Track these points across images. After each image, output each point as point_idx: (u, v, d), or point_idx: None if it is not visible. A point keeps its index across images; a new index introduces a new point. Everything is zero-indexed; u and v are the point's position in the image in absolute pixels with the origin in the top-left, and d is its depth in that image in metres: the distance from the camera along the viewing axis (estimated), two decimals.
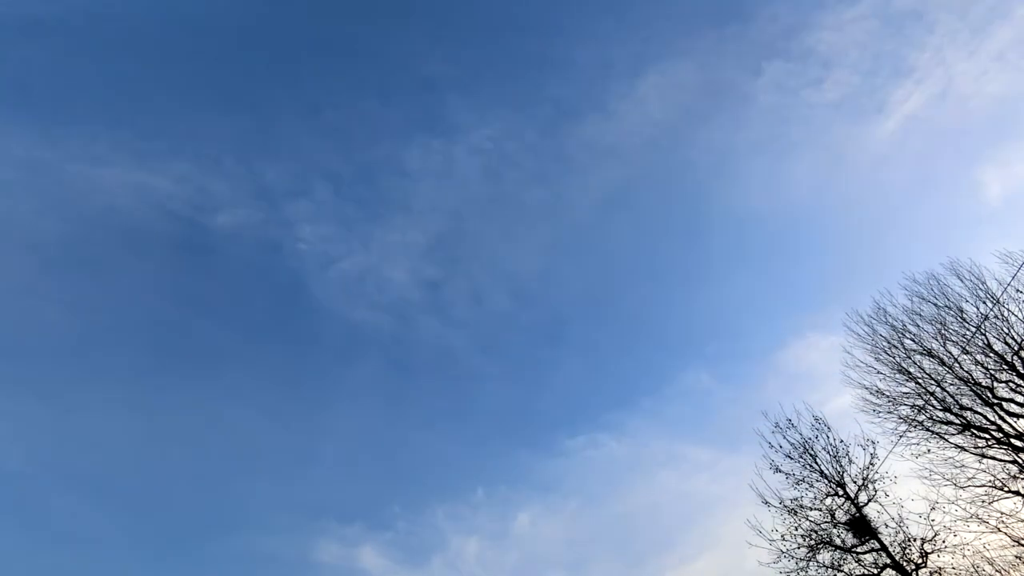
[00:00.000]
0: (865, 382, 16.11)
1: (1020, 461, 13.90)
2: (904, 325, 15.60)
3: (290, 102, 58.28)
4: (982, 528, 13.96)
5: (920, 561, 14.23)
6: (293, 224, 56.80)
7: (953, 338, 14.81)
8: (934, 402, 14.90)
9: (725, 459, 50.52)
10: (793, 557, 15.06)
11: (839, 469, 15.51)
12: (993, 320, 14.30)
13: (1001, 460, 14.13)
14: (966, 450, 14.54)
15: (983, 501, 14.18)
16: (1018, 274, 13.84)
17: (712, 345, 60.24)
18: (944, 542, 14.23)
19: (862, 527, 14.89)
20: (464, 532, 46.61)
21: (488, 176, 62.09)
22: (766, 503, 15.74)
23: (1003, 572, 13.71)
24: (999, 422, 14.16)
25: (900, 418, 15.36)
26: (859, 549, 14.88)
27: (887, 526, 14.83)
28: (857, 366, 16.31)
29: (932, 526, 14.38)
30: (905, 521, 14.71)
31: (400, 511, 47.89)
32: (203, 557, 41.81)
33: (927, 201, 58.95)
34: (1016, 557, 13.63)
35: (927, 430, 15.01)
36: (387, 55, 59.21)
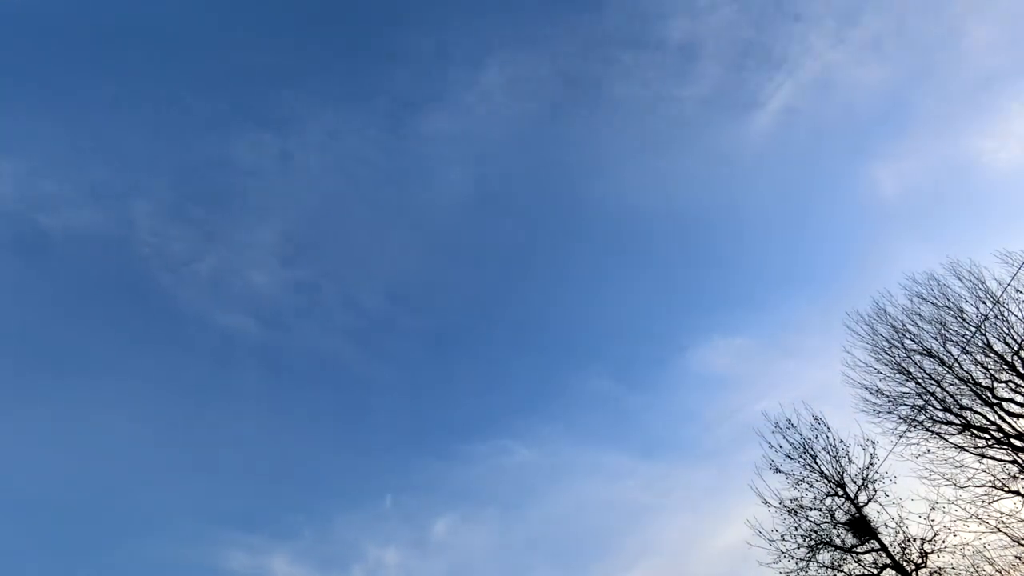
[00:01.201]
0: (865, 382, 16.13)
1: (1020, 461, 13.90)
2: (904, 325, 15.61)
3: (104, 96, 52.12)
4: (982, 528, 13.97)
5: (920, 561, 14.23)
6: (134, 224, 52.43)
7: (953, 338, 14.82)
8: (934, 402, 14.91)
9: (647, 466, 50.67)
10: (793, 557, 15.07)
11: (839, 469, 15.52)
12: (993, 320, 14.30)
13: (1001, 460, 14.14)
14: (966, 450, 14.55)
15: (983, 501, 14.19)
16: (1018, 274, 13.85)
17: (611, 348, 59.17)
18: (944, 542, 14.25)
19: (862, 527, 14.88)
20: (380, 541, 45.82)
21: (336, 173, 58.73)
22: (766, 503, 15.75)
23: (1003, 572, 13.72)
24: (999, 422, 14.16)
25: (900, 418, 15.38)
26: (859, 549, 14.88)
27: (887, 526, 14.85)
28: (857, 366, 16.32)
29: (932, 526, 14.39)
30: (905, 521, 14.73)
31: (305, 519, 46.87)
32: (99, 564, 40.30)
33: (819, 199, 58.07)
34: (1016, 557, 13.64)
35: (927, 430, 15.02)
36: (203, 43, 54.78)
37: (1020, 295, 13.99)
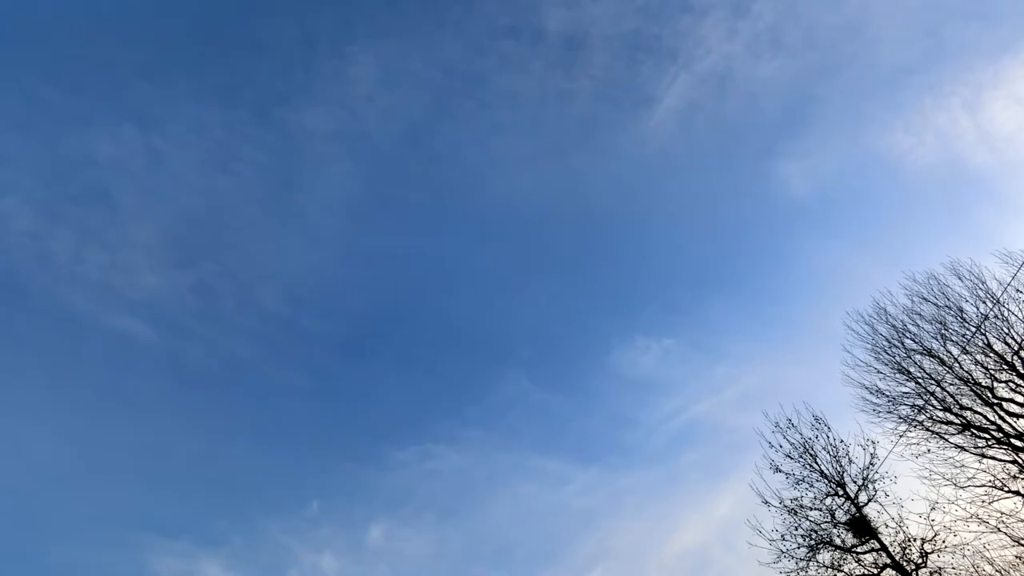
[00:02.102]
0: (865, 381, 16.13)
1: (1020, 461, 13.90)
2: (904, 325, 15.63)
3: None
4: (982, 528, 13.96)
5: (920, 561, 14.20)
6: (7, 225, 48.32)
7: (953, 338, 14.84)
8: (934, 402, 14.91)
9: (588, 472, 50.24)
10: (793, 557, 15.00)
11: (839, 469, 15.47)
12: (993, 320, 14.33)
13: (1001, 460, 14.14)
14: (966, 450, 14.55)
15: (983, 501, 14.19)
16: (1018, 274, 13.88)
17: (529, 351, 57.89)
18: (944, 542, 14.22)
19: (862, 527, 14.85)
20: (314, 547, 44.65)
21: (211, 170, 54.50)
22: (766, 503, 15.69)
23: (1003, 572, 13.70)
24: (999, 422, 14.17)
25: (900, 418, 15.38)
26: (859, 549, 14.84)
27: (887, 526, 14.81)
28: (857, 365, 16.33)
29: (932, 526, 14.37)
30: (905, 521, 14.70)
31: (231, 525, 45.40)
32: (16, 571, 37.80)
33: (731, 198, 57.02)
34: (1016, 557, 13.63)
35: (927, 430, 15.02)
36: (58, 37, 50.19)
37: (1020, 295, 14.03)
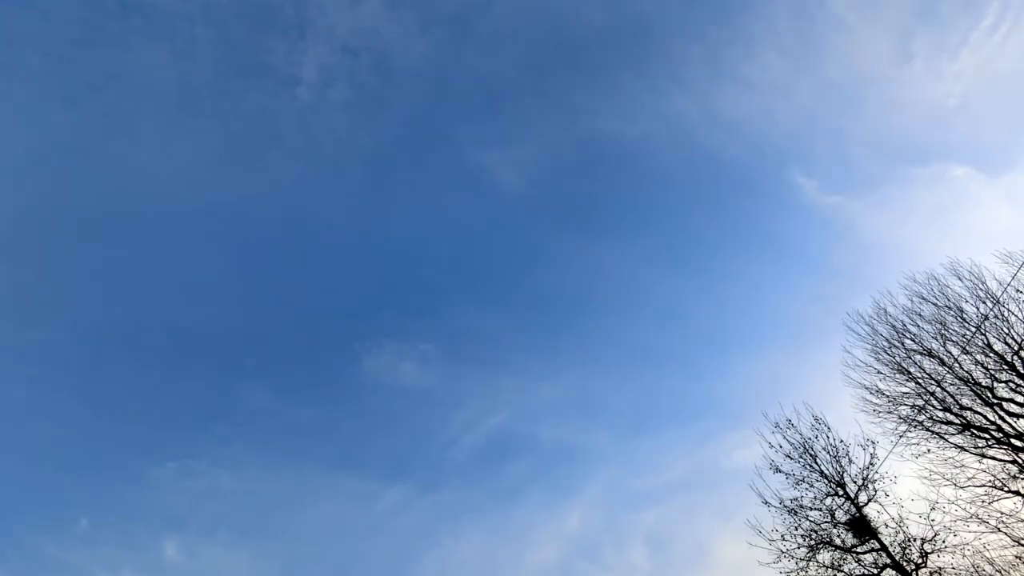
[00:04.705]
0: (865, 382, 16.15)
1: (1020, 461, 13.90)
2: (904, 325, 15.63)
3: None
4: (982, 528, 13.97)
5: (920, 561, 14.21)
6: None
7: (953, 338, 14.83)
8: (934, 402, 14.91)
9: (393, 489, 49.35)
10: (793, 557, 15.01)
11: (839, 469, 15.48)
12: (993, 320, 14.32)
13: (1001, 460, 14.14)
14: (966, 450, 14.55)
15: (983, 501, 14.19)
16: (1018, 274, 13.87)
17: (253, 360, 54.52)
18: (944, 542, 14.21)
19: (862, 527, 14.86)
20: (107, 565, 42.46)
21: None
22: (766, 503, 15.71)
23: (1003, 572, 13.70)
24: (999, 422, 14.17)
25: (900, 418, 15.38)
26: (859, 549, 14.85)
27: (887, 526, 14.81)
28: (857, 366, 16.34)
29: (932, 526, 14.36)
30: (905, 521, 14.69)
31: None
32: None
33: (436, 194, 54.14)
34: (1016, 557, 13.63)
35: (927, 430, 15.02)
36: None
37: (1020, 295, 14.01)
